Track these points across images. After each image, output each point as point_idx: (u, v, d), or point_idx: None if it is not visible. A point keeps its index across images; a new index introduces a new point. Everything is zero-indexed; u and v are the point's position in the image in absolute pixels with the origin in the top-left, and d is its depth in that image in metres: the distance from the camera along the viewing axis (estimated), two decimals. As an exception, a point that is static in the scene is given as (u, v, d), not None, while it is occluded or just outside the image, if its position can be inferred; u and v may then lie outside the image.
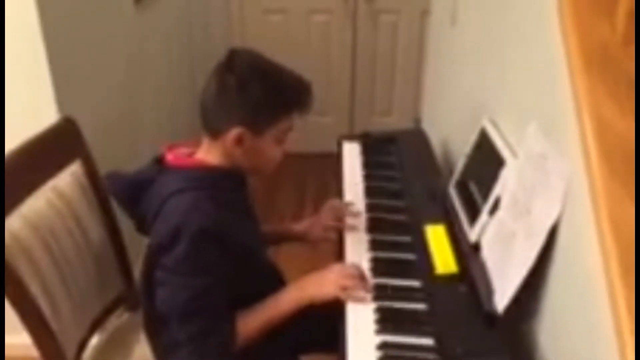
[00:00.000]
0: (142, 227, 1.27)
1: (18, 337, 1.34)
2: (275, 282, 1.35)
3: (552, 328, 1.05)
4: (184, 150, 1.27)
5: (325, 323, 1.20)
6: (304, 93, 1.21)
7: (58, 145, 1.38)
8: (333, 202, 1.53)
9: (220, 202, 1.18)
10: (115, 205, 1.47)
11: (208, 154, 1.23)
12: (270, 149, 1.22)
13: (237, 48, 1.23)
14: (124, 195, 1.27)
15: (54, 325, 1.25)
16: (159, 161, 1.26)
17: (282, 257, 1.43)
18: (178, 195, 1.16)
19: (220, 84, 1.17)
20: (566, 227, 1.00)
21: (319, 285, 1.24)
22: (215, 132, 1.19)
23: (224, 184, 1.23)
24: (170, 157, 1.24)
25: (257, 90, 1.15)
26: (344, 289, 1.21)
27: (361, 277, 1.24)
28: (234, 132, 1.16)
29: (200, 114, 1.21)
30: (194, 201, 1.15)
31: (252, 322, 1.22)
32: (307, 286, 1.25)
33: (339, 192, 1.61)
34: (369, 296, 1.20)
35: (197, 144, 1.26)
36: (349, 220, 1.45)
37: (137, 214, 1.26)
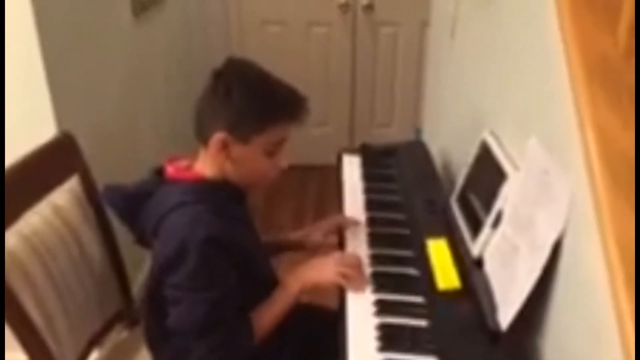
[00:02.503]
0: (142, 239, 1.26)
1: (14, 355, 1.32)
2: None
3: (557, 344, 1.04)
4: (183, 163, 1.27)
5: (327, 337, 1.19)
6: (293, 104, 1.20)
7: (55, 161, 1.37)
8: (336, 215, 1.53)
9: (219, 213, 1.17)
10: (113, 221, 1.46)
11: (204, 166, 1.22)
12: (258, 160, 1.20)
13: (233, 56, 1.24)
14: (122, 207, 1.26)
15: (50, 342, 1.23)
16: (158, 173, 1.25)
17: (284, 266, 1.43)
18: (178, 209, 1.15)
19: (210, 89, 1.19)
20: (570, 242, 0.98)
21: (319, 270, 1.27)
22: (203, 138, 1.20)
23: (222, 195, 1.22)
24: (169, 169, 1.24)
25: (241, 96, 1.16)
26: (343, 276, 1.23)
27: (359, 264, 1.27)
28: (216, 137, 1.16)
29: (193, 121, 1.22)
30: (196, 214, 1.15)
31: (265, 318, 1.24)
32: (308, 271, 1.28)
33: (339, 205, 1.60)
34: (366, 287, 1.23)
35: (196, 156, 1.25)
36: (350, 230, 1.45)
37: (136, 226, 1.25)
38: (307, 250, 1.52)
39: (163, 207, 1.17)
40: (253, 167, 1.22)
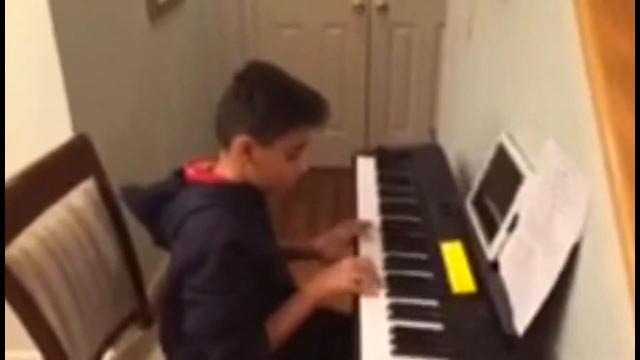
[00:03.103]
0: (161, 241, 1.26)
1: (27, 353, 1.34)
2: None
3: (575, 350, 1.02)
4: (203, 165, 1.27)
5: (342, 340, 1.18)
6: (315, 108, 1.20)
7: (71, 162, 1.38)
8: (347, 221, 1.52)
9: (240, 217, 1.17)
10: (129, 222, 1.47)
11: (225, 168, 1.23)
12: (280, 163, 1.20)
13: (256, 60, 1.24)
14: (143, 209, 1.26)
15: (64, 342, 1.24)
16: (179, 175, 1.26)
17: (300, 274, 1.43)
18: (200, 212, 1.16)
19: (232, 92, 1.19)
20: (588, 246, 0.97)
21: (333, 278, 1.26)
22: (225, 141, 1.20)
23: (243, 199, 1.22)
24: (190, 171, 1.24)
25: (262, 100, 1.15)
26: (358, 282, 1.23)
27: (372, 269, 1.26)
28: (239, 140, 1.16)
29: (215, 122, 1.22)
30: (217, 218, 1.15)
31: (279, 327, 1.23)
32: (322, 280, 1.27)
33: (353, 208, 1.59)
34: (381, 290, 1.23)
35: (216, 158, 1.26)
36: (363, 237, 1.44)
37: (155, 228, 1.26)
38: (322, 261, 1.51)
39: (184, 209, 1.17)
40: (274, 171, 1.22)
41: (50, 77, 1.59)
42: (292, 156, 1.21)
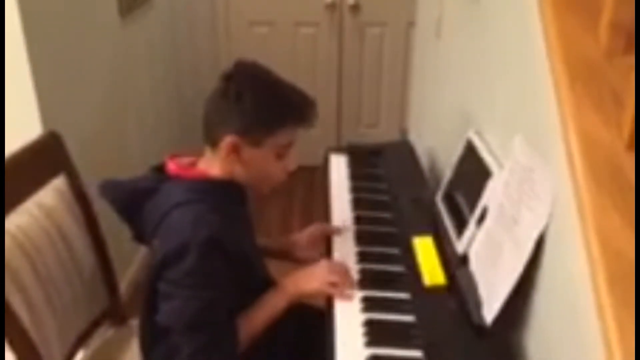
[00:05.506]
0: (140, 236, 1.25)
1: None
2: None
3: (540, 338, 1.06)
4: (185, 160, 1.26)
5: (316, 333, 1.20)
6: (303, 108, 1.21)
7: (42, 160, 1.36)
8: (321, 223, 1.54)
9: (222, 214, 1.17)
10: (101, 219, 1.46)
11: (210, 165, 1.22)
12: (269, 162, 1.21)
13: (243, 59, 1.24)
14: (123, 203, 1.24)
15: (37, 341, 1.23)
16: (160, 170, 1.25)
17: (274, 269, 1.43)
18: (182, 207, 1.15)
19: (220, 92, 1.19)
20: (553, 238, 1.00)
21: (307, 281, 1.27)
22: (213, 141, 1.20)
23: (225, 196, 1.22)
24: (172, 166, 1.24)
25: (251, 100, 1.16)
26: (331, 284, 1.24)
27: (346, 273, 1.27)
28: (228, 140, 1.16)
29: (202, 122, 1.21)
30: (199, 213, 1.15)
31: (250, 325, 1.23)
32: (296, 283, 1.28)
33: (326, 205, 1.61)
34: (354, 292, 1.23)
35: (198, 154, 1.25)
36: (337, 234, 1.46)
37: (135, 222, 1.25)
38: (294, 261, 1.52)
39: (166, 204, 1.17)
40: (263, 170, 1.23)
41: (18, 73, 1.57)
42: (280, 155, 1.22)
